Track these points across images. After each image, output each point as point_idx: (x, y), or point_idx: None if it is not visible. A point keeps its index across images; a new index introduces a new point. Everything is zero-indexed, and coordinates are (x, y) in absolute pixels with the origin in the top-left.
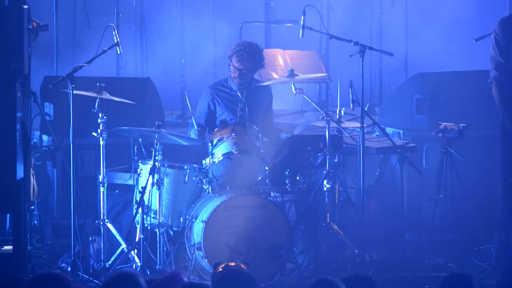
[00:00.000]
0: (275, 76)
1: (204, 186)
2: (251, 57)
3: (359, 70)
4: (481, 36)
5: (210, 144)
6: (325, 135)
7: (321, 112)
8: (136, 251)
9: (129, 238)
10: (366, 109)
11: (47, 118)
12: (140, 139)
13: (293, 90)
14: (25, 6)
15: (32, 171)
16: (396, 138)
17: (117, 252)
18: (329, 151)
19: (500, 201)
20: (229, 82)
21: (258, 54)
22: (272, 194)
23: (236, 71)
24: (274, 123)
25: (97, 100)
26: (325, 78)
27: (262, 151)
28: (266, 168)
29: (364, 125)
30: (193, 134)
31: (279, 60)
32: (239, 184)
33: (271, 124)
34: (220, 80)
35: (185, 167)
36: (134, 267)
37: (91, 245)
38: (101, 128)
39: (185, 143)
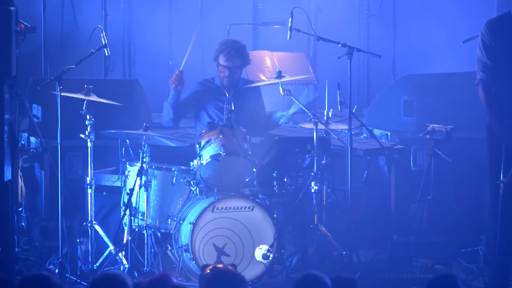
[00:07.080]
0: (263, 77)
1: (191, 187)
2: (238, 53)
3: (346, 72)
4: (468, 38)
5: (198, 145)
6: (313, 136)
7: (309, 113)
8: (123, 253)
9: (116, 240)
10: (353, 111)
11: (35, 120)
12: (127, 141)
13: (281, 92)
14: (13, 8)
15: (19, 173)
16: (383, 140)
17: (105, 254)
18: (316, 153)
19: (487, 203)
20: (216, 81)
21: (244, 49)
22: (259, 196)
23: (225, 70)
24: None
25: (85, 102)
26: (312, 80)
27: (250, 152)
28: (254, 170)
29: (352, 127)
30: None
31: (267, 61)
32: (227, 186)
33: (263, 117)
34: (208, 78)
35: (173, 169)
36: (121, 269)
37: (78, 247)
38: (88, 130)
39: (173, 145)
